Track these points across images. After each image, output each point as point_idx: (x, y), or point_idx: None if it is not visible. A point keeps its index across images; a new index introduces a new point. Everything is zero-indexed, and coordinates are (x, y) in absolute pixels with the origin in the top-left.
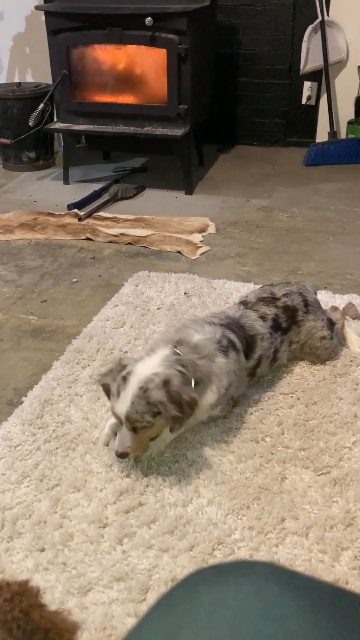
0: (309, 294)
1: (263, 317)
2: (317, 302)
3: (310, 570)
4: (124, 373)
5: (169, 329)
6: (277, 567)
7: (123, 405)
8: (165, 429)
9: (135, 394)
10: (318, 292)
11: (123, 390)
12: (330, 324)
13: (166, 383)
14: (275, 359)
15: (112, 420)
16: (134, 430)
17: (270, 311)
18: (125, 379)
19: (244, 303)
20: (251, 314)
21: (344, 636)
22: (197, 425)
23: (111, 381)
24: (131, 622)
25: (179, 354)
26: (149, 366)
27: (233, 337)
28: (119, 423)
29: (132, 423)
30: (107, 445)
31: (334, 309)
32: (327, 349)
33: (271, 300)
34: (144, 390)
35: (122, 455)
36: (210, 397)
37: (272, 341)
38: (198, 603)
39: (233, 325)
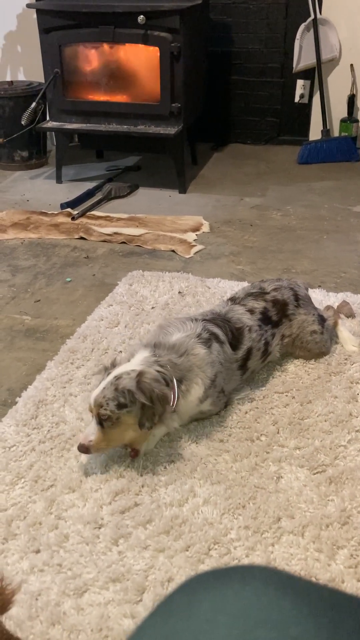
0: (299, 289)
1: (251, 311)
2: (308, 297)
3: (306, 569)
4: (110, 370)
5: (154, 327)
6: (276, 571)
7: (95, 391)
8: (149, 435)
9: (108, 381)
10: (312, 290)
11: (102, 382)
12: (321, 319)
13: (139, 375)
14: (267, 352)
15: None
16: (100, 423)
17: (258, 305)
18: (109, 374)
19: (233, 299)
20: (239, 308)
21: None
22: (191, 424)
23: (101, 378)
24: (127, 623)
25: (156, 356)
26: (130, 365)
27: (216, 330)
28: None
29: (97, 408)
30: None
31: (328, 308)
32: (318, 343)
33: (260, 294)
34: (117, 378)
35: (81, 449)
36: (197, 390)
37: (262, 333)
38: (197, 609)
39: (218, 319)
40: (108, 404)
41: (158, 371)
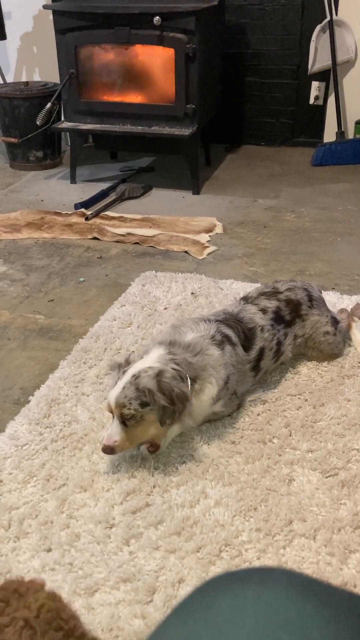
0: (313, 290)
1: (263, 310)
2: (322, 299)
3: (318, 573)
4: (125, 368)
5: (167, 326)
6: (297, 574)
7: (115, 391)
8: (168, 431)
9: (127, 381)
10: (325, 292)
11: (119, 381)
12: (335, 321)
13: (158, 374)
14: (279, 352)
15: None
16: (124, 422)
17: (271, 304)
18: (125, 372)
19: (245, 299)
20: (251, 307)
21: None
22: (203, 425)
23: (115, 376)
24: (138, 623)
25: (172, 354)
26: (146, 362)
27: (228, 331)
28: (111, 416)
29: (120, 409)
30: None
31: (342, 310)
32: (331, 344)
33: (273, 294)
34: (135, 377)
35: (107, 450)
36: (210, 390)
37: (275, 333)
38: (217, 610)
39: (230, 320)
40: (131, 404)
41: (174, 369)
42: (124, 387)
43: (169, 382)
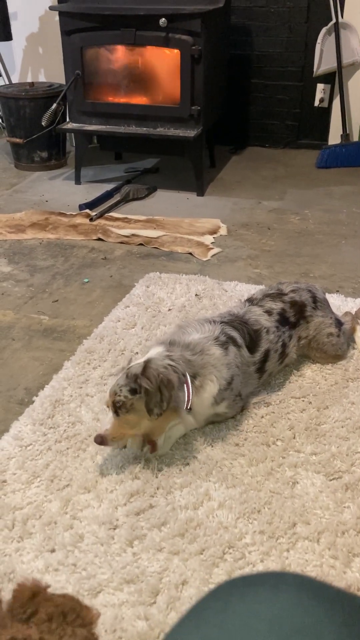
0: (317, 292)
1: (269, 312)
2: (326, 301)
3: (321, 576)
4: (126, 366)
5: (173, 326)
6: (309, 579)
7: (111, 385)
8: (164, 426)
9: (122, 371)
10: (330, 295)
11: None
12: (339, 323)
13: (147, 362)
14: (284, 354)
15: None
16: (116, 412)
17: (276, 306)
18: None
19: (250, 300)
20: (256, 309)
21: None
22: (207, 427)
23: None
24: (141, 624)
25: (170, 351)
26: (144, 358)
27: (233, 333)
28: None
29: (112, 397)
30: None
31: (346, 313)
32: (334, 345)
33: (278, 295)
34: (128, 367)
35: (97, 439)
36: (211, 387)
37: (280, 335)
38: (231, 614)
39: (235, 321)
40: (121, 390)
41: (169, 364)
42: (118, 377)
43: (154, 368)
